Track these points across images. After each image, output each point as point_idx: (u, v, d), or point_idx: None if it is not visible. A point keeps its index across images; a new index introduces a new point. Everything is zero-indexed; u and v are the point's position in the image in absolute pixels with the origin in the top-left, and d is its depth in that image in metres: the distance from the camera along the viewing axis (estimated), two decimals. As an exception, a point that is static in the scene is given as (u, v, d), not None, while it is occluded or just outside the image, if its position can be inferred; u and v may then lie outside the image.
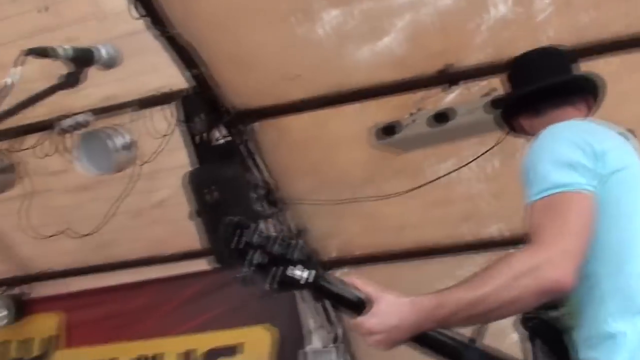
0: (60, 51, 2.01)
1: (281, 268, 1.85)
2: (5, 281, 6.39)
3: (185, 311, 5.93)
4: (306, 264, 1.87)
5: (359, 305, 1.89)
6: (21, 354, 6.47)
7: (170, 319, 5.97)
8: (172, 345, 5.97)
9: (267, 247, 1.85)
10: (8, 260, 6.29)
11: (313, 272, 1.88)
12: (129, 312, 6.10)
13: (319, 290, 1.91)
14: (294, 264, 1.85)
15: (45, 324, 6.40)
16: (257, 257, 1.83)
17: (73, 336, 6.33)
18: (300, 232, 5.14)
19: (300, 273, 1.85)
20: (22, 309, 6.37)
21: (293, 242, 1.89)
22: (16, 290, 6.40)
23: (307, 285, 1.87)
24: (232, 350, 5.77)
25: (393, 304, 1.87)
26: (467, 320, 1.88)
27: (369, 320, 1.86)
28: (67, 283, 6.34)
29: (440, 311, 1.84)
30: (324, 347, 5.58)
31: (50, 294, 6.41)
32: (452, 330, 1.95)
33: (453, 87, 4.33)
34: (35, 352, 6.43)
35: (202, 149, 4.70)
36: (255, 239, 1.85)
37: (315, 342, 5.63)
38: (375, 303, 1.87)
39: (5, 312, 6.26)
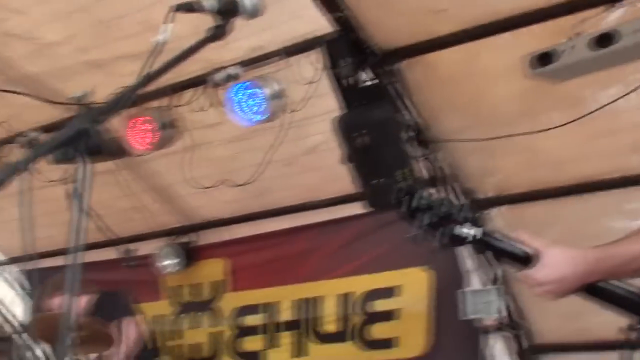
0: (205, 4, 2.02)
1: (449, 227, 1.97)
2: (174, 230, 6.82)
3: (342, 254, 6.04)
4: (472, 222, 1.97)
5: (525, 258, 1.95)
6: (193, 297, 6.94)
7: (328, 263, 6.12)
8: (331, 287, 6.13)
9: (435, 209, 1.95)
10: (175, 211, 6.70)
11: (480, 229, 1.98)
12: (289, 257, 6.32)
13: (486, 246, 1.99)
14: (461, 222, 1.93)
15: (213, 269, 6.80)
16: (426, 218, 1.96)
17: (239, 280, 6.68)
18: (454, 175, 5.02)
19: (467, 231, 1.99)
20: (191, 255, 6.79)
21: (459, 202, 2.01)
22: (185, 239, 6.81)
23: (474, 241, 1.98)
24: (390, 292, 5.83)
25: (562, 256, 1.91)
26: (635, 273, 1.87)
27: (538, 272, 1.91)
28: (230, 230, 6.66)
29: (608, 263, 1.85)
30: (483, 287, 5.48)
31: (215, 241, 6.78)
32: (625, 282, 1.92)
33: (617, 6, 3.95)
34: (205, 295, 6.87)
35: (349, 93, 4.66)
36: (424, 202, 1.97)
37: (474, 282, 5.54)
38: (543, 255, 1.91)
39: (177, 260, 6.71)
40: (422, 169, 4.94)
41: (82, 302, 5.15)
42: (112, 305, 5.21)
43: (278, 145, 5.33)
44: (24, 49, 5.25)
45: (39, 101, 5.51)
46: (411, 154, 4.81)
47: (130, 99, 1.89)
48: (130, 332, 5.11)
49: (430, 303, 5.66)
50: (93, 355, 4.59)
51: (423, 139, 4.95)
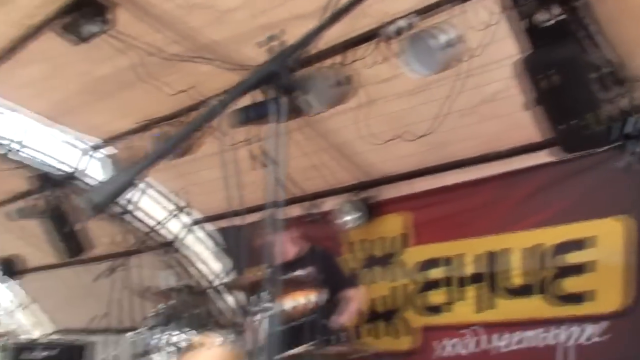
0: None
1: None
2: (354, 187, 6.91)
3: (529, 206, 5.78)
4: None
5: None
6: (375, 251, 7.01)
7: (514, 214, 5.89)
8: (518, 240, 5.90)
9: None
10: (354, 167, 6.76)
11: None
12: (472, 209, 6.16)
13: None
14: None
15: (394, 224, 6.81)
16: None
17: (420, 234, 6.63)
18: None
19: None
20: (372, 211, 6.84)
21: None
22: (364, 195, 6.87)
23: None
24: (582, 243, 5.48)
25: None
26: None
27: None
28: (409, 184, 6.61)
29: None
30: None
31: (395, 196, 6.77)
32: None
33: None
34: (388, 249, 6.91)
35: (533, 33, 4.35)
36: (638, 126, 1.76)
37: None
38: None
39: (358, 215, 6.80)
40: (617, 110, 4.55)
41: (292, 252, 5.46)
42: (321, 261, 5.45)
43: (455, 96, 5.16)
44: (204, 17, 5.47)
45: (221, 68, 5.75)
46: (602, 95, 4.43)
47: (317, 39, 1.87)
48: (352, 302, 5.38)
49: (629, 255, 5.26)
50: (302, 300, 4.81)
51: (618, 77, 4.54)
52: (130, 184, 1.59)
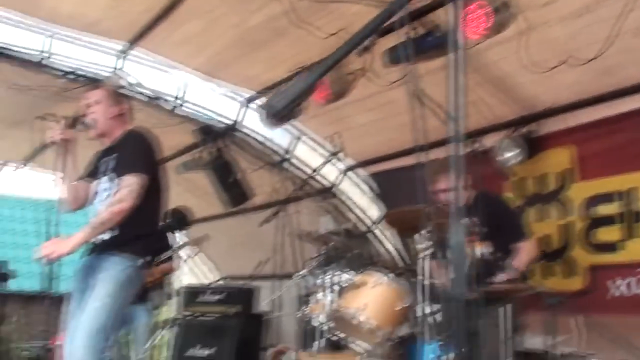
0: None
1: None
2: (513, 122, 6.60)
3: None
4: None
5: None
6: (538, 188, 6.70)
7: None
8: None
9: None
10: (513, 101, 6.44)
11: None
12: (646, 139, 5.70)
13: None
14: None
15: (558, 159, 6.45)
16: None
17: (587, 168, 6.24)
18: None
19: None
20: (533, 146, 6.51)
21: None
22: (525, 130, 6.55)
23: None
24: None
25: None
26: None
27: None
28: (574, 116, 6.21)
29: None
30: None
31: (558, 129, 6.39)
32: None
33: None
34: (551, 186, 6.58)
35: None
36: None
37: None
38: None
39: (517, 151, 6.51)
40: None
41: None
42: (490, 209, 5.22)
43: (627, 13, 4.73)
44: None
45: (370, 7, 5.63)
46: None
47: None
48: (523, 253, 5.20)
49: None
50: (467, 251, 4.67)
51: None
52: (306, 90, 1.57)
